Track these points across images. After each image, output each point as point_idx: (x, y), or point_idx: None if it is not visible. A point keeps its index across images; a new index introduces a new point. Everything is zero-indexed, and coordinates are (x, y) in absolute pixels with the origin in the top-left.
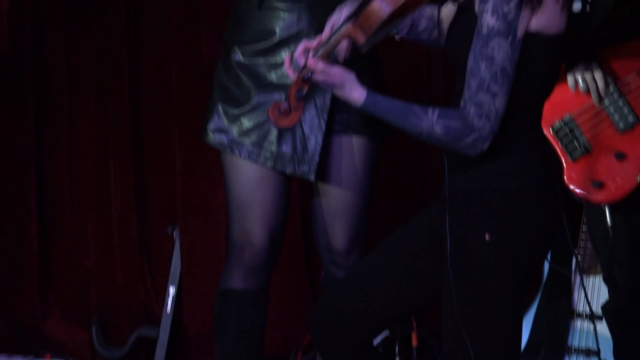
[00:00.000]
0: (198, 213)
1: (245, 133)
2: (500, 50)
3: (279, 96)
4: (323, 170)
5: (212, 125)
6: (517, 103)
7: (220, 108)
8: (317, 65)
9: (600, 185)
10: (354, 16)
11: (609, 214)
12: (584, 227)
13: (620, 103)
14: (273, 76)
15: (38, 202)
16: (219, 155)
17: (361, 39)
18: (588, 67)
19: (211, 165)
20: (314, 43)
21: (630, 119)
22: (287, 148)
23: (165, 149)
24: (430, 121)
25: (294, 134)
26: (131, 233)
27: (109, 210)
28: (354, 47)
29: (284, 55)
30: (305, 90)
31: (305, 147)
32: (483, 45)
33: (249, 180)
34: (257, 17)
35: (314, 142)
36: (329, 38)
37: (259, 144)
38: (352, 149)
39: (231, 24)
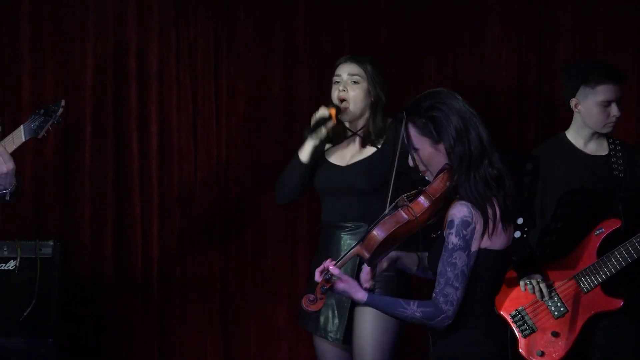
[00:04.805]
0: None
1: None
2: (460, 259)
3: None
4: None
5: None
6: (475, 295)
7: None
8: (335, 271)
9: (542, 354)
10: (361, 240)
11: None
12: None
13: (555, 299)
14: None
15: None
16: None
17: (366, 255)
18: (533, 276)
19: None
20: (333, 261)
21: (562, 309)
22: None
23: None
24: (412, 309)
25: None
26: None
27: None
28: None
29: None
30: (327, 287)
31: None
32: (449, 256)
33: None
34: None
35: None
36: (344, 255)
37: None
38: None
39: None
